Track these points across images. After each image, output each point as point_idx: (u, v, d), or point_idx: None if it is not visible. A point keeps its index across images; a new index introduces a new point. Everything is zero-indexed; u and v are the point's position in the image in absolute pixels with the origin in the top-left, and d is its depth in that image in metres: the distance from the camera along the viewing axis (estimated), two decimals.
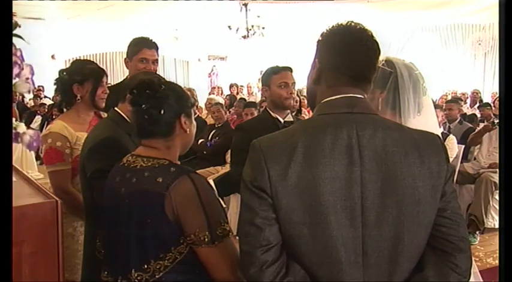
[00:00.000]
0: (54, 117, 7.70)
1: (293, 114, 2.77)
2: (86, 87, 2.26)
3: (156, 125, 1.43)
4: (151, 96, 1.42)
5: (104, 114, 2.41)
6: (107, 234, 1.51)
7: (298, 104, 5.38)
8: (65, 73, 2.30)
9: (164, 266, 1.34)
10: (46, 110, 8.96)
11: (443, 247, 1.14)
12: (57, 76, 2.30)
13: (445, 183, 1.14)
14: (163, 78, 1.79)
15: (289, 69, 2.65)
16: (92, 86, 2.26)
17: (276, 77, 2.59)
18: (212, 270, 1.37)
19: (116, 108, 1.89)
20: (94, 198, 1.82)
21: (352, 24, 1.16)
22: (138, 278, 1.35)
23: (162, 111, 1.41)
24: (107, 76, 2.38)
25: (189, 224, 1.33)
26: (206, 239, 1.33)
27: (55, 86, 2.33)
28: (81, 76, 2.26)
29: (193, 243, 1.35)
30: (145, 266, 1.35)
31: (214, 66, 15.64)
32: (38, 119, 8.77)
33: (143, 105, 1.42)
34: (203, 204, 1.34)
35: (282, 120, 2.60)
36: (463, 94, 10.74)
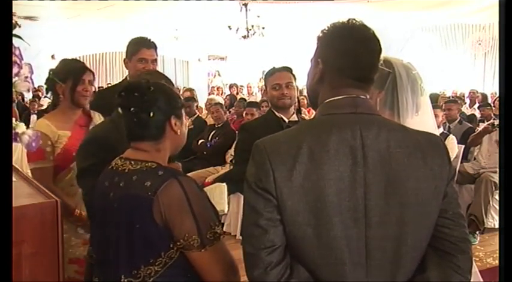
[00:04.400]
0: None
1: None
2: (67, 84, 2.29)
3: (146, 128, 1.40)
4: (139, 99, 1.39)
5: (94, 113, 2.43)
6: (97, 239, 1.49)
7: (297, 104, 5.38)
8: (51, 72, 2.33)
9: (155, 271, 1.32)
10: (37, 107, 8.97)
11: (444, 248, 1.14)
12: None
13: (447, 184, 1.14)
14: (167, 78, 1.77)
15: (285, 69, 2.66)
16: (71, 83, 2.28)
17: (270, 79, 2.64)
18: (204, 274, 1.34)
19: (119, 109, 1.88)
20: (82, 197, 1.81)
21: (354, 22, 1.15)
22: None
23: (152, 114, 1.38)
24: (93, 75, 2.39)
25: (178, 228, 1.30)
26: (196, 244, 1.30)
27: (45, 86, 2.37)
28: (62, 74, 2.28)
29: (183, 248, 1.32)
30: (135, 272, 1.32)
31: (210, 67, 15.63)
32: (34, 118, 8.72)
33: (132, 109, 1.39)
34: (192, 208, 1.31)
35: (286, 120, 2.61)
36: (467, 96, 10.72)
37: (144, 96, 1.39)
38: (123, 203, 1.35)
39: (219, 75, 15.08)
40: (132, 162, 1.39)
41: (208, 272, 1.34)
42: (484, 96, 9.42)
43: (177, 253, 1.33)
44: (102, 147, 1.70)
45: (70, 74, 2.28)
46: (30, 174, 2.12)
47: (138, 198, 1.32)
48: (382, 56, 1.18)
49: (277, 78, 2.61)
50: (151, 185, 1.31)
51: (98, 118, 2.42)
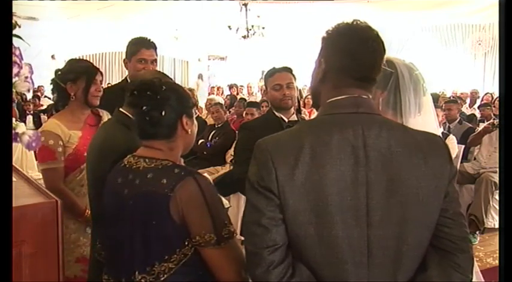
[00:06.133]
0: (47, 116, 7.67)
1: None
2: (78, 85, 2.27)
3: (158, 127, 1.41)
4: (152, 98, 1.40)
5: (102, 112, 2.42)
6: (109, 236, 1.50)
7: (297, 103, 5.38)
8: (59, 73, 2.32)
9: (169, 268, 1.33)
10: (33, 107, 8.98)
11: (445, 247, 1.15)
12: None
13: (448, 183, 1.14)
14: (169, 78, 1.77)
15: (285, 70, 2.66)
16: (85, 83, 2.27)
17: (271, 80, 2.64)
18: (217, 271, 1.36)
19: (120, 109, 1.83)
20: None
21: (359, 23, 1.16)
22: (142, 280, 1.34)
23: (164, 113, 1.39)
24: (102, 75, 2.39)
25: (195, 225, 1.32)
26: (212, 241, 1.32)
27: (51, 86, 2.35)
28: (74, 74, 2.27)
29: (198, 245, 1.33)
30: (150, 268, 1.34)
31: (208, 65, 15.60)
32: (29, 118, 8.69)
33: (144, 107, 1.40)
34: (208, 206, 1.32)
35: (286, 120, 2.61)
36: (463, 93, 10.73)
37: (157, 95, 1.40)
38: (139, 200, 1.36)
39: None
40: (147, 160, 1.41)
41: (222, 269, 1.35)
42: (491, 96, 9.32)
43: (191, 250, 1.35)
44: (122, 154, 1.64)
45: (83, 74, 2.28)
46: (30, 174, 2.11)
47: (155, 195, 1.33)
48: (384, 57, 1.18)
49: (278, 78, 2.61)
50: (168, 182, 1.32)
51: (106, 117, 2.40)
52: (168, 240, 1.34)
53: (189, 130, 1.47)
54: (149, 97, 1.40)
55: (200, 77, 15.05)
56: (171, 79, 1.75)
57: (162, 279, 1.33)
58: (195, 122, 1.52)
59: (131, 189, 1.39)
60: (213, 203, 1.35)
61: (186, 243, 1.34)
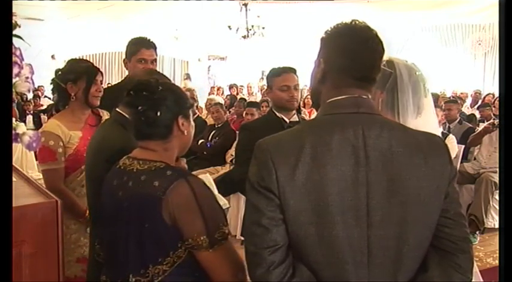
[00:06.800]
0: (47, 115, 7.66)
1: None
2: (79, 85, 2.27)
3: (154, 127, 1.40)
4: (148, 98, 1.39)
5: (103, 112, 2.42)
6: (105, 238, 1.50)
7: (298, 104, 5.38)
8: (59, 73, 2.32)
9: (163, 271, 1.33)
10: (33, 107, 8.99)
11: (445, 247, 1.15)
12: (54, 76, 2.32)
13: (449, 184, 1.15)
14: (166, 77, 1.77)
15: (292, 71, 2.63)
16: (85, 83, 2.27)
17: (278, 80, 2.59)
18: (212, 273, 1.35)
19: (117, 109, 1.83)
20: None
21: (357, 23, 1.16)
22: None
23: (159, 113, 1.38)
24: (102, 75, 2.39)
25: (187, 228, 1.31)
26: (205, 244, 1.31)
27: (51, 86, 2.35)
28: (74, 74, 2.27)
29: (191, 248, 1.33)
30: (144, 271, 1.33)
31: (209, 66, 15.60)
32: (29, 118, 8.69)
33: (140, 107, 1.39)
34: (201, 208, 1.31)
35: (287, 121, 2.60)
36: (463, 93, 10.73)
37: (153, 95, 1.39)
38: (133, 203, 1.36)
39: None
40: (140, 162, 1.40)
41: (216, 272, 1.35)
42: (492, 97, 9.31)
43: (185, 252, 1.34)
44: (119, 154, 1.64)
45: (84, 74, 2.27)
46: (30, 174, 2.11)
47: (147, 197, 1.32)
48: (384, 57, 1.18)
49: (286, 79, 2.57)
50: (160, 184, 1.31)
51: (106, 117, 2.39)
52: (161, 242, 1.33)
53: (185, 131, 1.45)
54: (145, 97, 1.39)
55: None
56: (169, 79, 1.74)
57: (157, 281, 1.33)
58: (192, 123, 1.51)
59: (125, 191, 1.39)
60: (206, 205, 1.33)
61: (179, 245, 1.33)
